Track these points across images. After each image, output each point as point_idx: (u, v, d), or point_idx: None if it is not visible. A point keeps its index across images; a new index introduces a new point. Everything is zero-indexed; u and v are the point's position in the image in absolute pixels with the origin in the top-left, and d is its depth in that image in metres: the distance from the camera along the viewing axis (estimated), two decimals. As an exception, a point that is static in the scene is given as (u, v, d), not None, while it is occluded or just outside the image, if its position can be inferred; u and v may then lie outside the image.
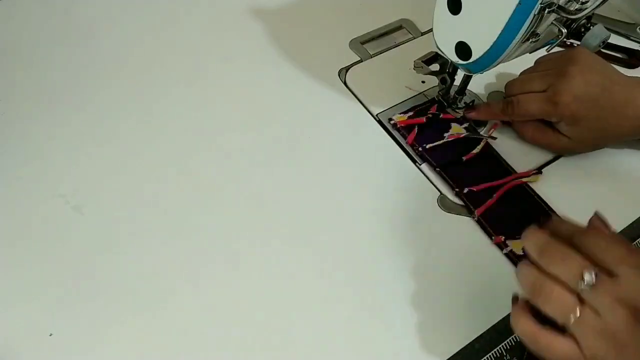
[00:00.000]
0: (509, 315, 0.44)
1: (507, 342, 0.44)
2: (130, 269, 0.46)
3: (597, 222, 0.39)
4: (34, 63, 0.58)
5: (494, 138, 0.54)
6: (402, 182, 0.52)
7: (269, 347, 0.43)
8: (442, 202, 0.51)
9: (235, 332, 0.43)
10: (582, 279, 0.33)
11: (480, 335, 0.44)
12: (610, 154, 0.55)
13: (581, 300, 0.33)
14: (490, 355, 0.43)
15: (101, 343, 0.42)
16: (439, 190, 0.52)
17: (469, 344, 0.44)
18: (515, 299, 0.38)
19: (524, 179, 0.52)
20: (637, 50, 0.62)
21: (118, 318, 0.43)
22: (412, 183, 0.52)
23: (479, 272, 0.47)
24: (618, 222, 0.50)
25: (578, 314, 0.33)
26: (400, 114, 0.56)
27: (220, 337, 0.43)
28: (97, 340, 0.42)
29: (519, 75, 0.54)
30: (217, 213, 0.49)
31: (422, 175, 0.53)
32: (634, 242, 0.50)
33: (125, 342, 0.42)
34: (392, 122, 0.55)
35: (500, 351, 0.44)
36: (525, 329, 0.36)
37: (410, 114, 0.56)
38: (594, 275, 0.33)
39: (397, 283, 0.46)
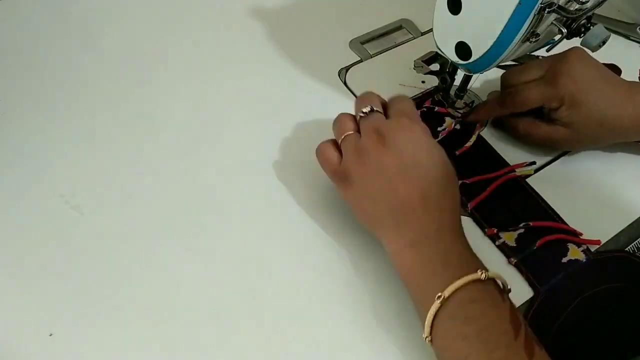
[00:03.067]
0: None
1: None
2: (131, 269, 0.46)
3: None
4: (34, 63, 0.58)
5: (484, 126, 0.55)
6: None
7: (269, 348, 0.43)
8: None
9: (237, 331, 0.43)
10: (365, 111, 0.45)
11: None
12: (610, 154, 0.55)
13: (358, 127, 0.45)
14: (490, 355, 0.43)
15: (101, 343, 0.42)
16: (439, 190, 0.52)
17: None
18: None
19: (517, 171, 0.52)
20: (610, 63, 0.60)
21: (118, 318, 0.43)
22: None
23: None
24: (618, 222, 0.50)
25: (348, 133, 0.45)
26: None
27: (221, 337, 0.43)
28: (97, 340, 0.42)
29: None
30: (217, 212, 0.49)
31: (422, 175, 0.53)
32: (634, 242, 0.50)
33: (125, 342, 0.42)
34: None
35: (500, 351, 0.44)
36: (318, 146, 0.46)
37: None
38: (369, 109, 0.45)
39: (396, 281, 0.46)
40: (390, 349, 0.43)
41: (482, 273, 0.38)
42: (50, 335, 0.42)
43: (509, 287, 0.40)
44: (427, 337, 0.39)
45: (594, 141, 0.52)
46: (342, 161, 0.44)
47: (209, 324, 0.44)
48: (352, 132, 0.45)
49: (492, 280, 0.39)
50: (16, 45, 0.60)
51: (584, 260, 0.47)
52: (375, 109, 0.45)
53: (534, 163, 0.53)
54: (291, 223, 0.49)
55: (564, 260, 0.47)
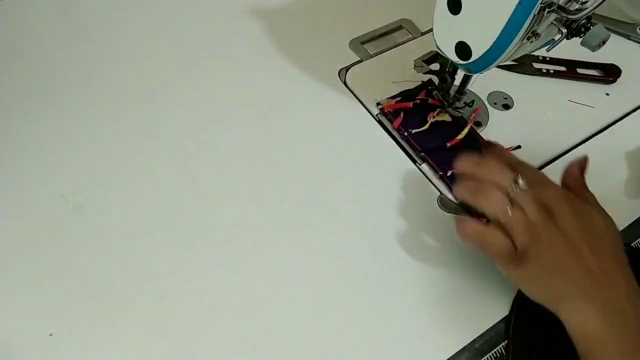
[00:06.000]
0: (509, 314, 0.44)
1: (507, 342, 0.44)
2: (131, 269, 0.46)
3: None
4: (34, 63, 0.58)
5: (480, 125, 0.56)
6: (402, 182, 0.52)
7: (267, 347, 0.43)
8: (442, 202, 0.51)
9: (235, 331, 0.43)
10: (517, 183, 0.42)
11: (480, 335, 0.44)
12: (610, 154, 0.55)
13: (511, 202, 0.41)
14: (490, 355, 0.43)
15: (101, 343, 0.42)
16: (439, 190, 0.52)
17: (469, 343, 0.44)
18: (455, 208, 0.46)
19: None
20: (610, 63, 0.60)
21: (118, 318, 0.43)
22: (412, 183, 0.52)
23: (479, 271, 0.47)
24: (618, 222, 0.50)
25: (510, 212, 0.41)
26: (389, 98, 0.56)
27: (220, 337, 0.43)
28: (97, 340, 0.42)
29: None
30: (216, 212, 0.49)
31: (422, 175, 0.53)
32: (634, 242, 0.50)
33: (125, 342, 0.43)
34: (379, 106, 0.56)
35: (500, 351, 0.44)
36: (472, 229, 0.43)
37: (399, 98, 0.56)
38: (517, 182, 0.42)
39: (397, 283, 0.46)
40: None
41: None
42: (50, 335, 0.42)
43: None
44: None
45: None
46: (517, 242, 0.40)
47: (209, 323, 0.44)
48: (508, 206, 0.41)
49: None
50: (16, 45, 0.60)
51: None
52: (520, 181, 0.42)
53: (519, 147, 0.54)
54: (290, 222, 0.49)
55: None
